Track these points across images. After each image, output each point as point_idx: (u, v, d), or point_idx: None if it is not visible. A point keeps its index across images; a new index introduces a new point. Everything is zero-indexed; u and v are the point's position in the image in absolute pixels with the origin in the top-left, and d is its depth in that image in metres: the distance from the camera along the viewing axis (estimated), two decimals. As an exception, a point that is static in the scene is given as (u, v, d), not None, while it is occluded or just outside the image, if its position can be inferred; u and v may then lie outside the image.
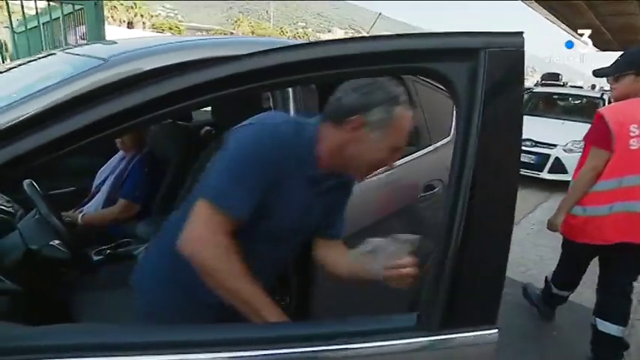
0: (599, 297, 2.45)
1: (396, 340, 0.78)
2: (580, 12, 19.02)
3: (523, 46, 0.73)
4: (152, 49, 1.25)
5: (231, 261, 0.95)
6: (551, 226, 2.44)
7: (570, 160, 5.81)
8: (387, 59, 0.77)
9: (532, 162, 6.17)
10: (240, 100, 1.94)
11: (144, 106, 0.77)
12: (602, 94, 7.23)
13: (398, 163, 1.96)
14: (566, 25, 22.16)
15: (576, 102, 8.12)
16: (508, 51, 0.74)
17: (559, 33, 25.87)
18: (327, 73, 0.77)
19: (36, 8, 4.16)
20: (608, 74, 2.40)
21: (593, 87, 16.55)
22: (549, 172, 6.13)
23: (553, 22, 21.02)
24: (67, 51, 1.62)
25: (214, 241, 0.95)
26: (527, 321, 2.91)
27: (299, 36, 75.80)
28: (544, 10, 17.41)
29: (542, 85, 10.59)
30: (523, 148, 5.48)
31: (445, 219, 0.77)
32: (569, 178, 5.45)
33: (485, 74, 0.72)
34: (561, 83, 11.60)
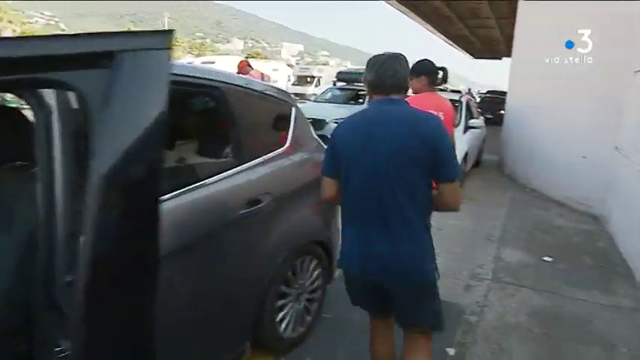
0: None
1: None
2: (452, 22, 21.05)
3: (170, 46, 0.62)
4: None
5: None
6: None
7: None
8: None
9: None
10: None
11: None
12: (461, 97, 7.38)
13: (211, 180, 1.83)
14: (442, 34, 24.34)
15: None
16: (152, 52, 0.64)
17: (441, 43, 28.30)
18: None
19: None
20: None
21: (469, 90, 18.29)
22: None
23: (430, 31, 22.87)
24: None
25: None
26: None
27: (196, 46, 73.42)
28: (419, 18, 18.83)
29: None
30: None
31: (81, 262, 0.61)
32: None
33: (123, 80, 0.59)
34: (443, 88, 12.27)
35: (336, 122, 9.78)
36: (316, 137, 2.75)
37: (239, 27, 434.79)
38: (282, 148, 2.30)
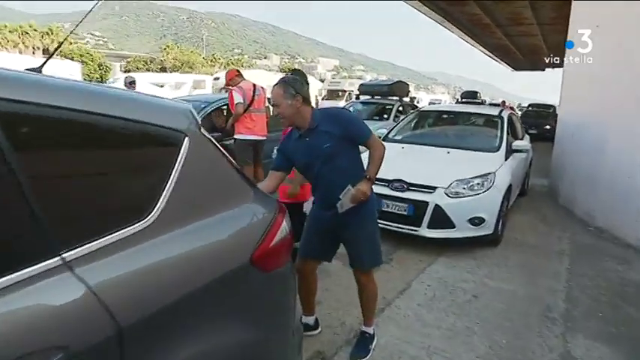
0: None
1: None
2: (491, 31, 19.49)
3: None
4: None
5: None
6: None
7: (456, 209, 4.08)
8: None
9: (405, 213, 4.17)
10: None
11: None
12: (501, 111, 5.76)
13: None
14: (481, 46, 22.75)
15: (472, 122, 6.35)
16: None
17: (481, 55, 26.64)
18: None
19: None
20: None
21: (504, 103, 16.56)
22: (429, 226, 4.11)
23: (468, 42, 21.39)
24: None
25: None
26: None
27: (232, 62, 74.64)
28: (458, 30, 17.48)
29: (462, 103, 9.63)
30: (392, 194, 4.16)
31: None
32: (459, 235, 4.06)
33: None
34: (479, 101, 10.84)
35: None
36: (249, 180, 1.53)
37: (276, 43, 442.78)
38: (138, 224, 1.11)
